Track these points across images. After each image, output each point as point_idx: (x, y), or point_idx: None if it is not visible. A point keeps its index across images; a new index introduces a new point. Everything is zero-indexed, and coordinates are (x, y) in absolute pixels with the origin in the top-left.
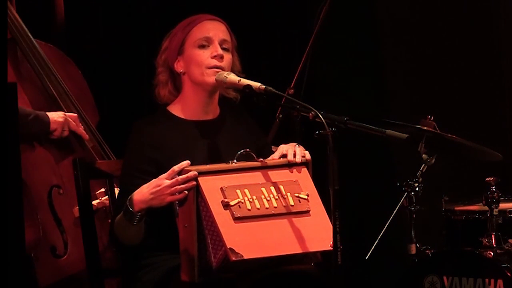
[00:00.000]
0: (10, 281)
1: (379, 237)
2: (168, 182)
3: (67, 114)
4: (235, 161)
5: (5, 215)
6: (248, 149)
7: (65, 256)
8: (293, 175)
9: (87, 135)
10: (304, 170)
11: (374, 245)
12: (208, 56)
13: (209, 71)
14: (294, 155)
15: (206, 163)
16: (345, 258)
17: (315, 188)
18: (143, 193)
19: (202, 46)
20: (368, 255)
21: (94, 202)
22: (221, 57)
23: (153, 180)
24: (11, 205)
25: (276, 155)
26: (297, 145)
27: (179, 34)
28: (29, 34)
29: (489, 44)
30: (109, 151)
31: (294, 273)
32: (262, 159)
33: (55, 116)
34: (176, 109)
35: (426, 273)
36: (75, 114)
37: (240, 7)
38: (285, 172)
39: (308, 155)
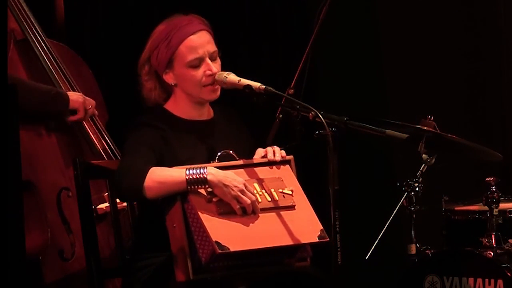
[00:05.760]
0: (11, 280)
1: (379, 237)
2: (243, 187)
3: (85, 97)
4: (216, 161)
5: (5, 215)
6: (230, 151)
7: (72, 259)
8: (276, 172)
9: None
10: (287, 167)
11: (374, 245)
12: (202, 74)
13: (206, 89)
14: (274, 155)
15: (206, 161)
16: (345, 258)
17: (299, 185)
18: (219, 171)
19: (194, 66)
20: (368, 255)
21: (103, 206)
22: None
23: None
24: (11, 206)
25: (256, 157)
26: (274, 146)
27: (163, 48)
28: (43, 35)
29: (489, 44)
30: (118, 153)
31: (294, 273)
32: (243, 159)
33: (74, 95)
34: (172, 108)
35: (426, 273)
36: (93, 101)
37: (240, 8)
38: (268, 169)
39: (284, 154)
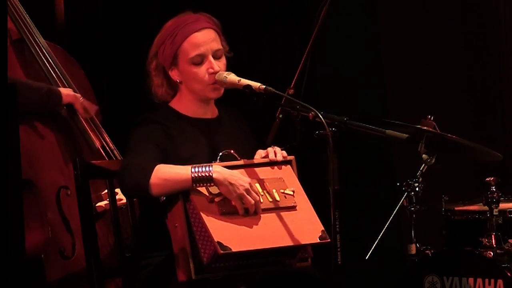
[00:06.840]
0: (11, 280)
1: (379, 237)
2: (248, 186)
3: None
4: (218, 161)
5: (5, 215)
6: (232, 150)
7: (73, 258)
8: (278, 173)
9: (95, 107)
10: (288, 167)
11: (374, 245)
12: (205, 72)
13: (209, 87)
14: (275, 155)
15: (208, 159)
16: (345, 258)
17: (300, 185)
18: (225, 170)
19: (196, 63)
20: (368, 255)
21: (102, 203)
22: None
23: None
24: (11, 206)
25: (257, 157)
26: (275, 147)
27: (168, 45)
28: (39, 35)
29: (488, 44)
30: (117, 152)
31: (294, 273)
32: (245, 159)
33: (65, 90)
34: (177, 106)
35: (426, 273)
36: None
37: (240, 7)
38: (269, 170)
39: (285, 154)
